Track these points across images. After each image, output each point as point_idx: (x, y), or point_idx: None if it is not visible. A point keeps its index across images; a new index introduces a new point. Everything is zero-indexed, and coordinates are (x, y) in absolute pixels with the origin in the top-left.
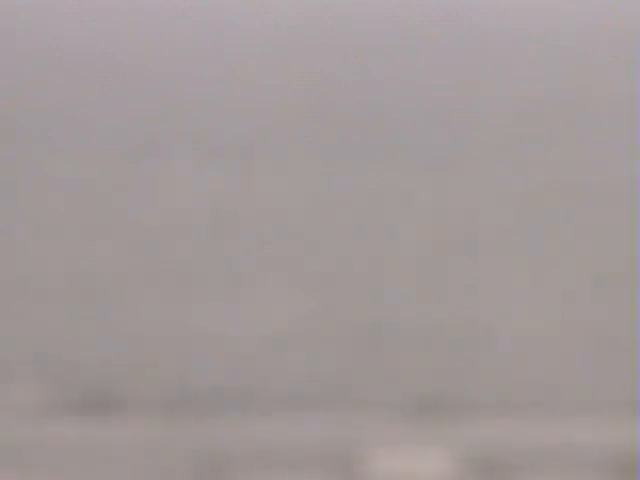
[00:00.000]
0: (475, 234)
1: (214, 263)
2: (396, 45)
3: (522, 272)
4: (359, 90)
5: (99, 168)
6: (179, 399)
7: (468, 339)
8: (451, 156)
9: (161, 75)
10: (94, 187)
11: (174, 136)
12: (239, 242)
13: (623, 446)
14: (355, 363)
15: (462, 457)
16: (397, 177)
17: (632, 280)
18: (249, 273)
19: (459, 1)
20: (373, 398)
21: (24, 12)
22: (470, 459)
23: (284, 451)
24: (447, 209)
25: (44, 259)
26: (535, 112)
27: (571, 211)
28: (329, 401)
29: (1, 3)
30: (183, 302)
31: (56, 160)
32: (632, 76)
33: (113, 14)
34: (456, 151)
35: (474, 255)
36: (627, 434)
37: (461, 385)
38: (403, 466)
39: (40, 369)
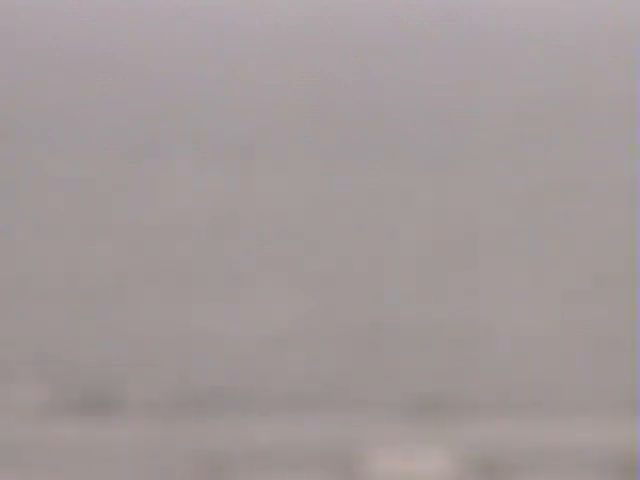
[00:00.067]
0: (475, 234)
1: (214, 263)
2: (396, 45)
3: (522, 272)
4: (359, 90)
5: (99, 168)
6: (179, 399)
7: (468, 339)
8: (451, 156)
9: (161, 75)
10: (94, 187)
11: (174, 136)
12: (239, 242)
13: (623, 446)
14: (355, 363)
15: (462, 457)
16: (397, 177)
17: (632, 280)
18: (249, 273)
19: (459, 1)
20: (373, 398)
21: (24, 12)
22: (470, 459)
23: (284, 451)
24: (447, 209)
25: (44, 259)
26: (535, 112)
27: (571, 211)
28: (329, 401)
29: (1, 3)
30: (183, 302)
31: (56, 160)
32: (632, 76)
33: (113, 14)
34: (456, 151)
35: (474, 255)
36: (627, 434)
37: (461, 385)
38: (403, 466)
39: (40, 369)
